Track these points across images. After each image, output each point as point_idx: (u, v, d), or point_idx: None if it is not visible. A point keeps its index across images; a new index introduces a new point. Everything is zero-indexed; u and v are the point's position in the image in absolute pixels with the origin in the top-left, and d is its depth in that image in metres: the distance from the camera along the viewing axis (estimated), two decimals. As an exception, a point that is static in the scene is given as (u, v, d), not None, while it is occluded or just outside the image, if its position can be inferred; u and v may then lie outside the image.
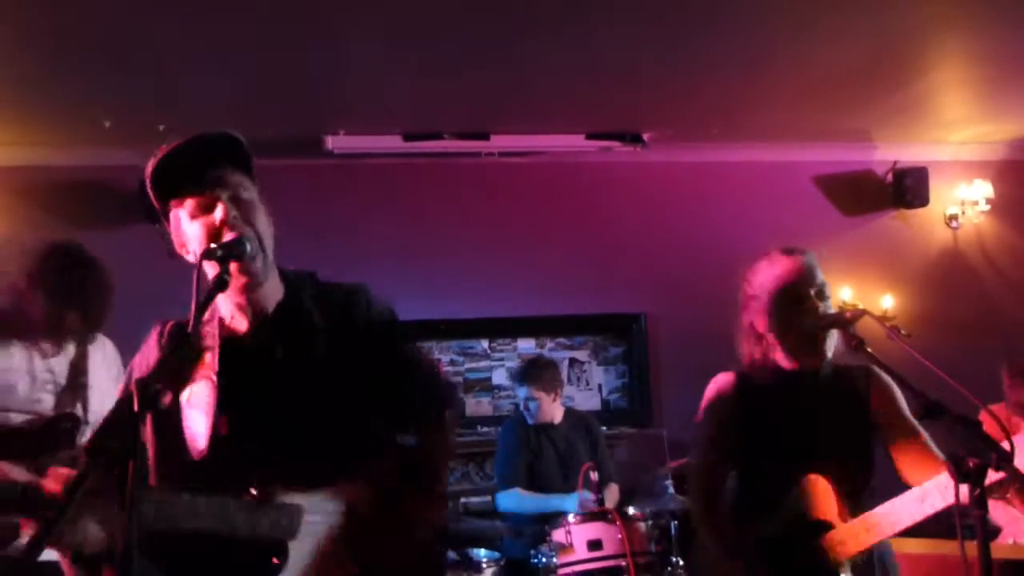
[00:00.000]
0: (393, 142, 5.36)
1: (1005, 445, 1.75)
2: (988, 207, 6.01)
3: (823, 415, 2.38)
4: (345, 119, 5.19)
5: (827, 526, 2.22)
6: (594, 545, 3.64)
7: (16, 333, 2.79)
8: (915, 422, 2.35)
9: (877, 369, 2.41)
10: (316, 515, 1.70)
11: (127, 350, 2.16)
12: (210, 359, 1.75)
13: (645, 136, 5.53)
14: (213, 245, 1.65)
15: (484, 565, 3.82)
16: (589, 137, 5.52)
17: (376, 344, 1.86)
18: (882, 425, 2.37)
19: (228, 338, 1.80)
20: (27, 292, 2.74)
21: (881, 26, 4.31)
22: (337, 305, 1.86)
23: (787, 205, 5.80)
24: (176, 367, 1.70)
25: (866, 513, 2.13)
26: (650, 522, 3.78)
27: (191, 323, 1.47)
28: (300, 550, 1.67)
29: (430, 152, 5.45)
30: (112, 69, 4.34)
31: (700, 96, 5.07)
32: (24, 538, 1.51)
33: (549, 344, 5.81)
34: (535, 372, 4.51)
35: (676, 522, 3.87)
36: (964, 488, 1.74)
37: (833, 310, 2.36)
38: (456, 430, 2.10)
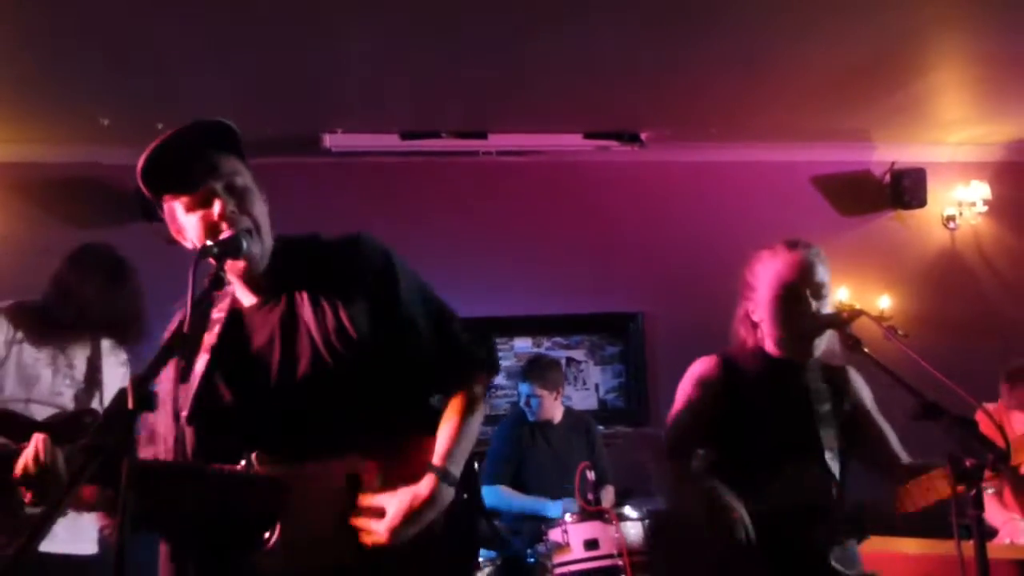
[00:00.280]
0: (391, 141, 5.35)
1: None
2: (985, 208, 6.01)
3: (805, 404, 2.42)
4: (343, 117, 5.18)
5: (820, 510, 2.24)
6: (590, 544, 3.65)
7: (53, 326, 2.86)
8: (883, 425, 2.44)
9: (853, 370, 2.47)
10: (314, 487, 1.66)
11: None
12: (216, 332, 1.75)
13: (643, 136, 5.53)
14: (209, 243, 1.64)
15: (481, 564, 3.82)
16: (587, 136, 5.52)
17: (383, 289, 1.77)
18: (856, 423, 2.44)
19: (235, 310, 1.81)
20: (74, 287, 2.82)
21: (880, 27, 4.31)
22: (333, 258, 1.81)
23: (785, 205, 5.80)
24: (169, 361, 1.70)
25: None
26: (646, 522, 3.78)
27: (186, 320, 1.47)
28: (297, 523, 1.63)
29: (428, 151, 5.45)
30: (110, 67, 4.33)
31: (698, 96, 5.07)
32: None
33: (546, 343, 5.80)
34: (539, 370, 4.54)
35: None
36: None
37: (829, 308, 2.37)
38: (488, 394, 1.88)
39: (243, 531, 1.62)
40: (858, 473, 2.45)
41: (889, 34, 4.39)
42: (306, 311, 1.74)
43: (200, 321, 1.80)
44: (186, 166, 1.69)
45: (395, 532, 1.63)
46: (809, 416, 2.44)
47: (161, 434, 1.76)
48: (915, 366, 1.97)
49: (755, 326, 2.44)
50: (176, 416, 1.74)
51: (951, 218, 6.09)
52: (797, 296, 2.34)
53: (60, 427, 2.72)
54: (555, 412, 4.57)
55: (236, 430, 1.69)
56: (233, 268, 1.73)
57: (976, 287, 6.04)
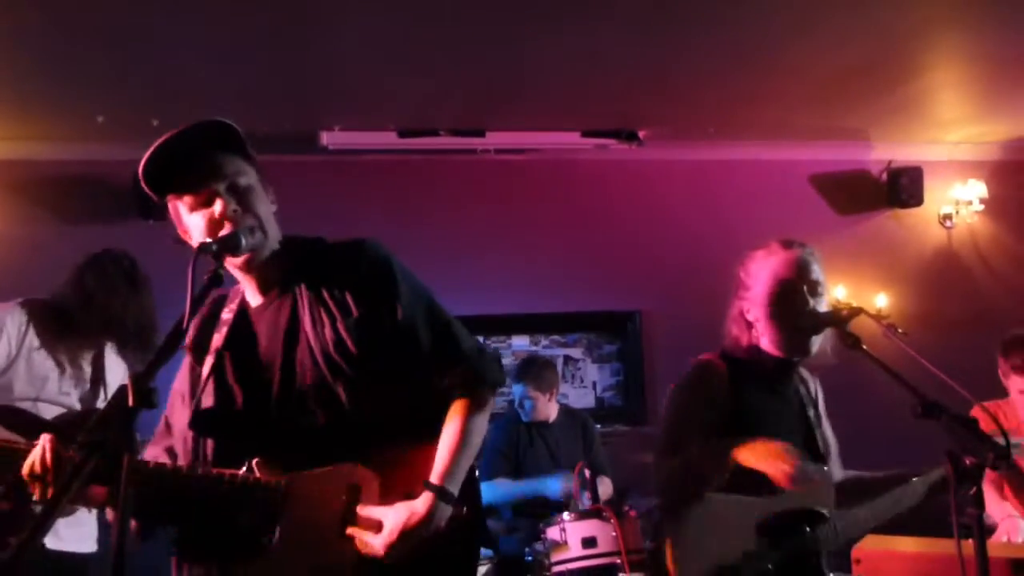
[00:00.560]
0: (388, 138, 5.34)
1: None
2: (982, 207, 6.02)
3: (800, 405, 2.43)
4: (340, 115, 5.17)
5: (820, 515, 2.24)
6: (588, 543, 3.64)
7: (65, 327, 2.87)
8: (830, 435, 2.54)
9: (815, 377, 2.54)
10: (314, 494, 1.67)
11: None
12: (224, 332, 1.76)
13: (641, 134, 5.53)
14: (208, 240, 1.64)
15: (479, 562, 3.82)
16: (585, 134, 5.51)
17: (382, 299, 1.76)
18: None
19: (243, 310, 1.81)
20: (99, 296, 2.84)
21: (877, 26, 4.31)
22: (335, 263, 1.81)
23: (782, 204, 5.80)
24: (196, 331, 1.71)
25: None
26: (645, 519, 3.79)
27: (185, 318, 1.47)
28: (296, 529, 1.64)
29: (425, 148, 5.43)
30: (106, 64, 4.32)
31: (696, 94, 5.07)
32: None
33: (544, 341, 5.80)
34: (532, 371, 4.53)
35: (659, 513, 3.87)
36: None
37: (825, 307, 2.38)
38: (491, 405, 1.85)
39: (243, 535, 1.63)
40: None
41: (887, 33, 4.39)
42: (306, 319, 1.74)
43: (210, 320, 1.81)
44: (188, 166, 1.69)
45: (390, 548, 1.63)
46: (805, 417, 2.46)
47: (180, 429, 1.77)
48: (912, 364, 1.97)
49: (750, 325, 2.44)
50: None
51: (948, 217, 6.10)
52: (795, 293, 2.35)
53: (67, 427, 2.74)
54: (550, 412, 4.56)
55: (240, 433, 1.69)
56: (238, 266, 1.73)
57: (973, 286, 6.06)
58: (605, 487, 4.40)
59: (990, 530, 3.78)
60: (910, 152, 6.05)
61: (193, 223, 1.72)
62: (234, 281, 1.86)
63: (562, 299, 5.64)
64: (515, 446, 4.48)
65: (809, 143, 5.90)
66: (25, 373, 2.81)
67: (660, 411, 5.56)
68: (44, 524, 1.16)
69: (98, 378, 2.99)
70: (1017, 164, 6.18)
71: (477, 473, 1.86)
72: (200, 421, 1.71)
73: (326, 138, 5.24)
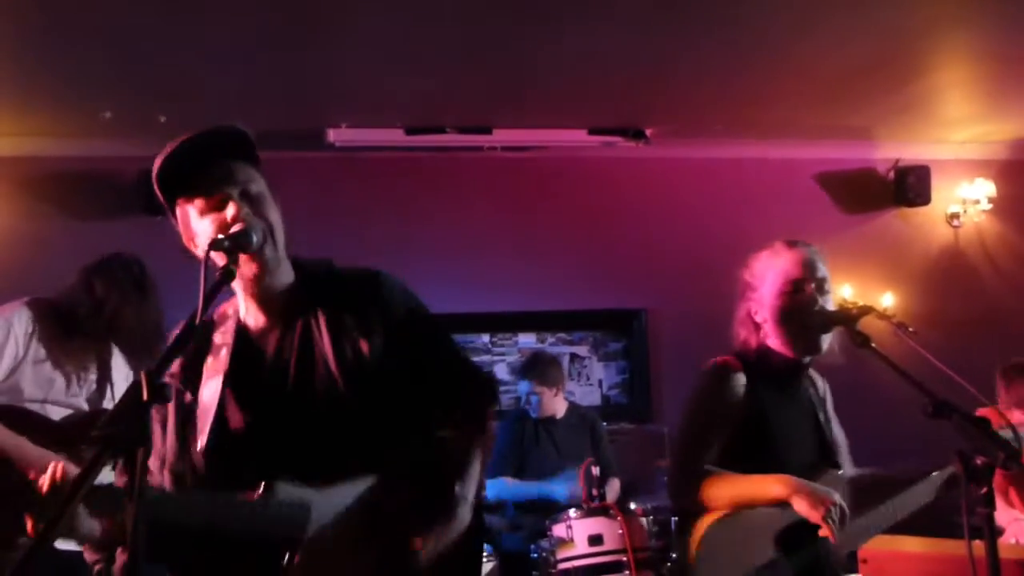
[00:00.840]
0: (395, 135, 5.33)
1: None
2: (990, 206, 6.00)
3: (812, 405, 2.43)
4: (347, 112, 5.17)
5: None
6: (595, 540, 3.65)
7: (73, 329, 2.87)
8: (839, 429, 2.53)
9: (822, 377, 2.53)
10: (332, 510, 1.68)
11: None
12: (224, 355, 1.74)
13: (648, 132, 5.52)
14: (220, 236, 1.63)
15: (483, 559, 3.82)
16: (591, 132, 5.50)
17: (399, 330, 1.80)
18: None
19: (243, 333, 1.80)
20: (109, 303, 2.84)
21: (885, 24, 4.30)
22: (353, 291, 1.81)
23: (789, 202, 5.79)
24: (183, 357, 1.70)
25: None
26: (651, 518, 3.80)
27: (199, 314, 1.46)
28: (315, 546, 1.65)
29: (432, 146, 5.43)
30: (112, 60, 4.32)
31: (703, 92, 5.06)
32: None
33: (550, 339, 5.80)
34: (538, 367, 4.55)
35: (676, 518, 3.87)
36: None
37: (832, 305, 2.37)
38: (493, 429, 2.04)
39: (263, 557, 1.63)
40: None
41: (893, 32, 4.38)
42: (324, 340, 1.75)
43: (202, 346, 1.79)
44: (202, 170, 1.69)
45: (425, 549, 1.70)
46: (816, 418, 2.45)
47: (168, 461, 1.75)
48: (920, 363, 1.97)
49: (758, 327, 2.42)
50: (182, 442, 1.74)
51: (955, 216, 6.08)
52: (803, 292, 2.34)
53: (75, 428, 2.76)
54: (557, 408, 4.58)
55: (252, 456, 1.69)
56: (245, 275, 1.71)
57: (980, 285, 6.04)
58: (613, 490, 4.40)
59: (997, 533, 3.78)
60: (917, 151, 6.03)
61: (203, 228, 1.71)
62: (223, 299, 1.83)
63: (568, 297, 5.64)
64: (520, 442, 4.49)
65: (816, 141, 5.89)
66: (32, 375, 2.80)
67: (666, 410, 5.52)
68: (59, 521, 1.16)
69: (105, 379, 2.99)
70: (1025, 163, 6.18)
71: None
72: (213, 446, 1.69)
73: (333, 135, 5.24)
